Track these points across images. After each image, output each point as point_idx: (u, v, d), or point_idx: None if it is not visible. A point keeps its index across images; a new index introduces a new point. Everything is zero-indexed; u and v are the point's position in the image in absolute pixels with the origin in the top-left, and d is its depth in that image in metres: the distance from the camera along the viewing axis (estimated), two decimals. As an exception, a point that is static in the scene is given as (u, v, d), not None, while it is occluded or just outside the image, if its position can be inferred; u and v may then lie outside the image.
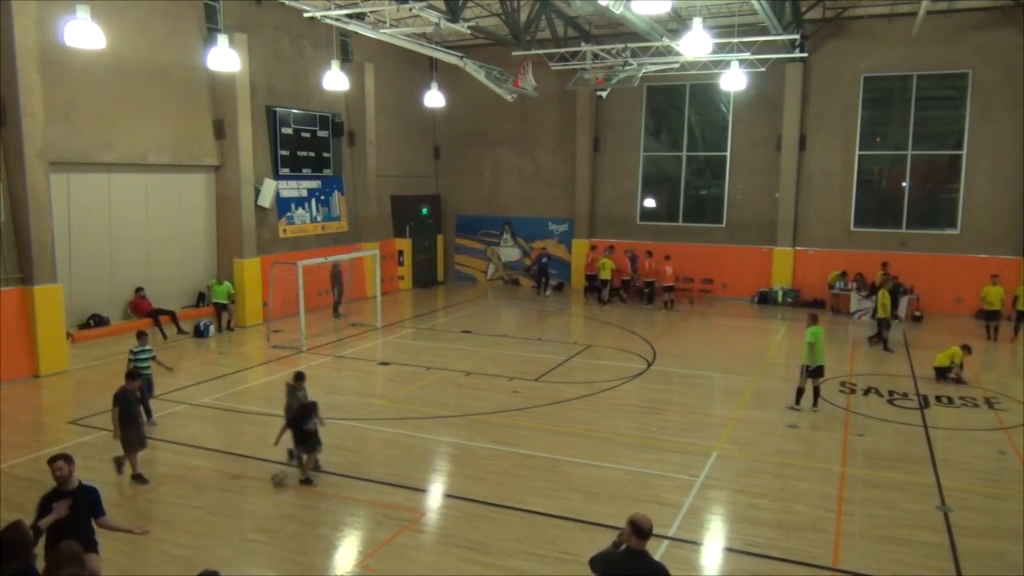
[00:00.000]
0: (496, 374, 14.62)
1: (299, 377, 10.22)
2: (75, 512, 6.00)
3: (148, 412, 11.09)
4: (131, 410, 9.41)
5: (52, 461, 6.14)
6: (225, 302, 18.19)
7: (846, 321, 20.38)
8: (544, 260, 25.20)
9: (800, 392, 12.29)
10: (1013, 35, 19.82)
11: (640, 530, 5.05)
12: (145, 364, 11.68)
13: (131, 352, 11.82)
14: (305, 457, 9.46)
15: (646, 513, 5.25)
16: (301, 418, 9.43)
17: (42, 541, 5.99)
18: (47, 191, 14.10)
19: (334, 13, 14.78)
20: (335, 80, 17.94)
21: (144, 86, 16.45)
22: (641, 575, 5.08)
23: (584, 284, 24.30)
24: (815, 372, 12.19)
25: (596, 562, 5.24)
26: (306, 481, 9.31)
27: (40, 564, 5.87)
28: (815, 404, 12.24)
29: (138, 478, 9.29)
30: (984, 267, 19.91)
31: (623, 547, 5.13)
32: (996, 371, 15.52)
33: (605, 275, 22.61)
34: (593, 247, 24.62)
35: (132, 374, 9.85)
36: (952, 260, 20.88)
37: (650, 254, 22.64)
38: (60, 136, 14.68)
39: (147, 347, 11.97)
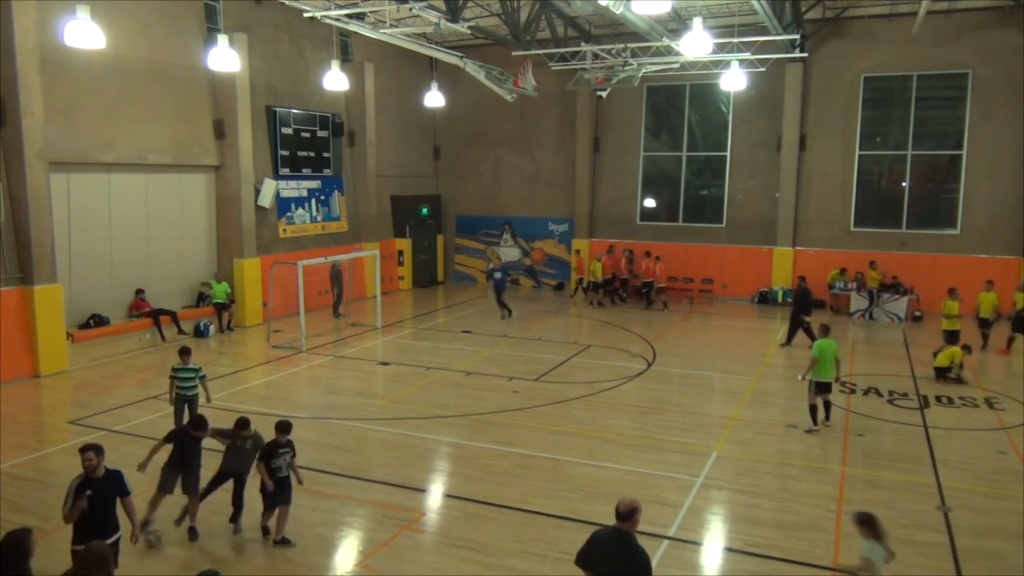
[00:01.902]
0: (496, 374, 14.62)
1: (242, 424, 8.21)
2: (105, 498, 6.31)
3: None
4: (185, 454, 7.95)
5: (83, 451, 6.38)
6: (224, 301, 18.21)
7: (846, 321, 20.39)
8: (499, 276, 20.92)
9: (813, 409, 11.38)
10: (1013, 35, 19.82)
11: (617, 512, 5.23)
12: (192, 385, 10.31)
13: (172, 370, 10.36)
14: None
15: (633, 498, 5.30)
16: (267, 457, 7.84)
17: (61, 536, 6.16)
18: (47, 191, 14.10)
19: (334, 13, 14.79)
20: (335, 80, 17.94)
21: (144, 86, 16.45)
22: (615, 553, 5.16)
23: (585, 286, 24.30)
24: (820, 388, 11.32)
25: (592, 535, 5.45)
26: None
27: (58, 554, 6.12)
28: (827, 418, 11.48)
29: (191, 531, 7.97)
30: (984, 267, 19.90)
31: (611, 526, 5.30)
32: (996, 372, 15.49)
33: (592, 278, 22.39)
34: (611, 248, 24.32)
35: (200, 423, 8.11)
36: (952, 260, 20.86)
37: (648, 254, 22.65)
38: (60, 136, 14.68)
39: (192, 365, 10.34)
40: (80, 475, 6.35)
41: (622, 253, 23.40)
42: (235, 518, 8.15)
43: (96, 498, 6.24)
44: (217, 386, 13.64)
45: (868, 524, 6.25)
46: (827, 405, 11.56)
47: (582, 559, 5.33)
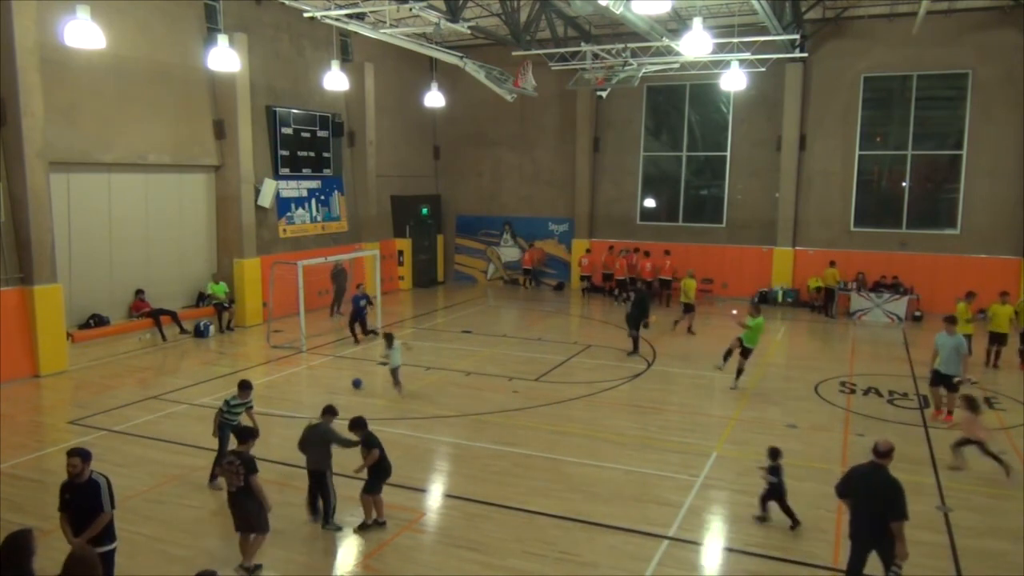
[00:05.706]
0: (496, 374, 14.62)
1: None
2: (83, 505, 6.13)
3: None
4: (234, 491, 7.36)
5: (70, 455, 6.27)
6: (223, 301, 18.21)
7: (846, 321, 20.39)
8: (363, 303, 17.46)
9: (728, 353, 14.16)
10: (1013, 35, 19.82)
11: (876, 450, 6.42)
12: (238, 414, 9.37)
13: (225, 403, 9.39)
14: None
15: (889, 440, 6.57)
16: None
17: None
18: (47, 191, 14.10)
19: (334, 13, 14.79)
20: (335, 80, 17.94)
21: (144, 86, 16.45)
22: (872, 483, 6.24)
23: (584, 284, 24.36)
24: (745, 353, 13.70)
25: (851, 469, 6.59)
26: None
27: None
28: (736, 379, 13.64)
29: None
30: (984, 267, 19.92)
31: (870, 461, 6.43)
32: (996, 373, 15.43)
33: (686, 299, 18.53)
34: (611, 247, 24.31)
35: (251, 432, 7.88)
36: (952, 260, 20.86)
37: (667, 252, 22.73)
38: (60, 136, 14.68)
39: (246, 400, 9.41)
40: (67, 479, 6.25)
41: (633, 252, 23.36)
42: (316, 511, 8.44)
43: (74, 504, 6.15)
44: (217, 386, 13.68)
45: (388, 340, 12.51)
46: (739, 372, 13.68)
47: (842, 489, 6.39)
